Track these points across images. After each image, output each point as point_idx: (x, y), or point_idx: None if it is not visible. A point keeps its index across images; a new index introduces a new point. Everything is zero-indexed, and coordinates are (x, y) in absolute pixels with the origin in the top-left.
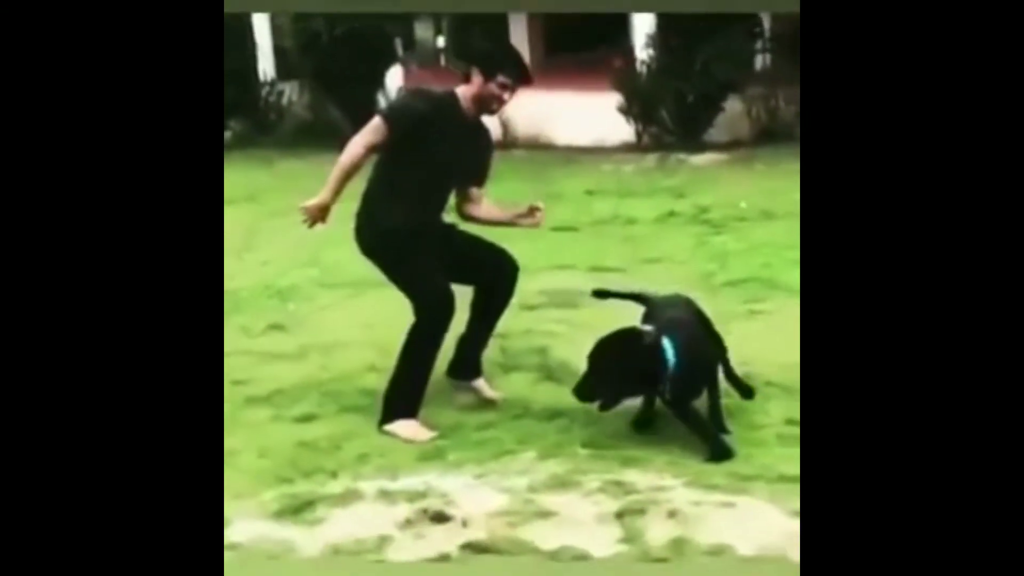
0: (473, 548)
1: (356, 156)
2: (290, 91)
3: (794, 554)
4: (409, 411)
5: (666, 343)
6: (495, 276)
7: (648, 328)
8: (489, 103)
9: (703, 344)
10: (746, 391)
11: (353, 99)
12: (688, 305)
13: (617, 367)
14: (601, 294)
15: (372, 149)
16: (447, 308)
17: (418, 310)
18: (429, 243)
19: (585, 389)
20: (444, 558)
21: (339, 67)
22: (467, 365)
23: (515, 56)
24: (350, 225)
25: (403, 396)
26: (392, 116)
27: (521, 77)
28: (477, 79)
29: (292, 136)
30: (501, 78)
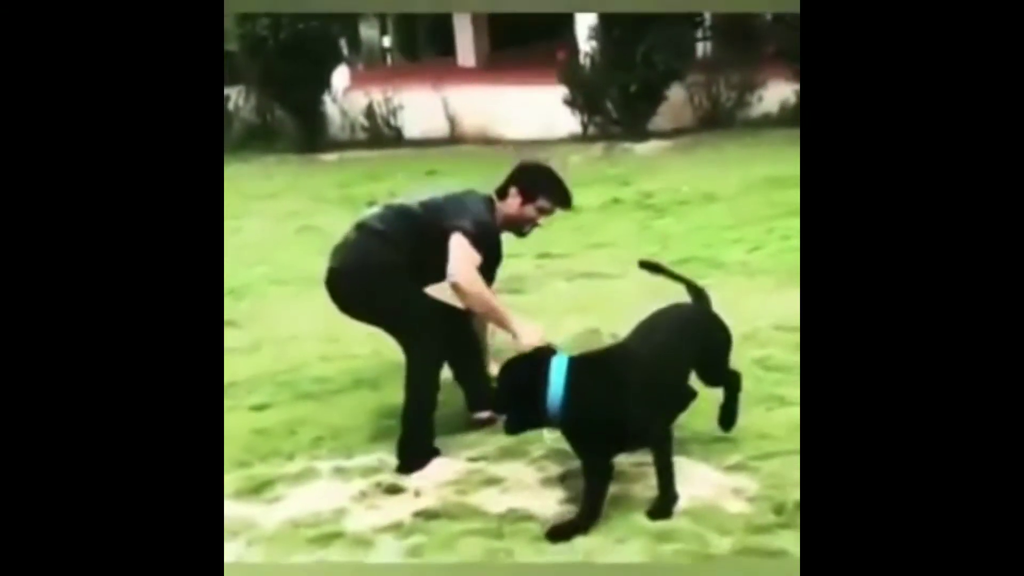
0: (425, 515)
1: (482, 282)
2: (236, 96)
3: (727, 505)
4: (433, 450)
5: (557, 364)
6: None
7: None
8: (521, 225)
9: (631, 370)
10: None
11: (299, 101)
12: (678, 311)
13: (508, 383)
14: (649, 267)
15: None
16: (436, 331)
17: (408, 345)
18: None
19: (494, 401)
20: (398, 526)
21: (285, 70)
22: (478, 396)
23: (559, 183)
24: (295, 224)
25: (422, 438)
26: (484, 242)
27: (563, 203)
28: (515, 200)
29: (239, 140)
30: (542, 202)
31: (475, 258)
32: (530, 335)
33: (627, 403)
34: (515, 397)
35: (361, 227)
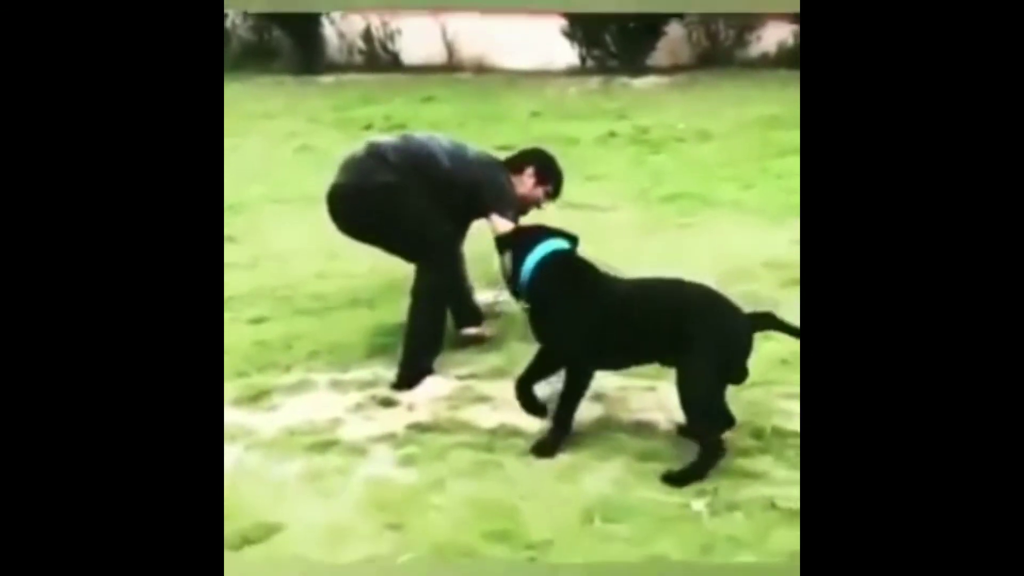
0: (418, 428)
1: None
2: (233, 14)
3: None
4: (430, 369)
5: (543, 245)
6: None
7: (562, 241)
8: (527, 204)
9: (599, 299)
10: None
11: (297, 20)
12: (699, 291)
13: (507, 241)
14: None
15: None
16: (452, 253)
17: (423, 261)
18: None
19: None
20: (392, 436)
21: None
22: (465, 314)
23: (562, 175)
24: (292, 144)
25: (426, 357)
26: (515, 214)
27: (557, 194)
28: (530, 180)
29: (237, 59)
30: (549, 187)
31: None
32: None
33: (572, 319)
34: (511, 258)
35: (373, 150)
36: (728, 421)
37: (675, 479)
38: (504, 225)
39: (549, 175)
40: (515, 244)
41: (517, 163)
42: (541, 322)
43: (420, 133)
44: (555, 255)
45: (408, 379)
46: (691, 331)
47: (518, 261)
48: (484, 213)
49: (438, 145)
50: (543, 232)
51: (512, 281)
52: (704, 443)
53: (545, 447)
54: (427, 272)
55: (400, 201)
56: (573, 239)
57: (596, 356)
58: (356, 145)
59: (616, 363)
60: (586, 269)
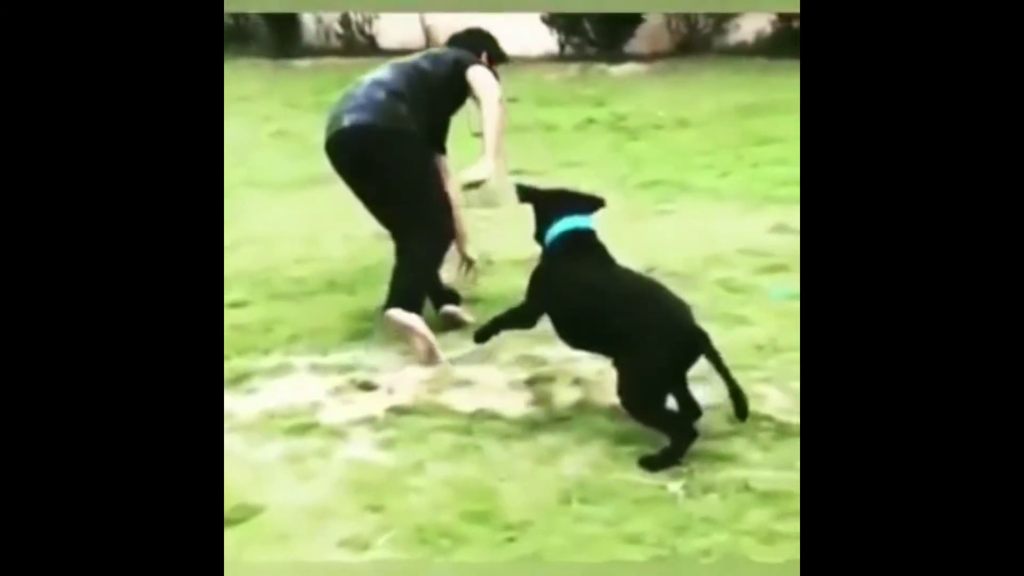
0: (397, 411)
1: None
2: None
3: None
4: (418, 305)
5: (569, 220)
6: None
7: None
8: None
9: (609, 281)
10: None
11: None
12: (668, 301)
13: (530, 193)
14: None
15: None
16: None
17: (427, 213)
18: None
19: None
20: (371, 420)
21: None
22: (442, 294)
23: (504, 50)
24: (268, 128)
25: (417, 290)
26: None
27: (504, 61)
28: (486, 60)
29: None
30: (497, 65)
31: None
32: (482, 171)
33: (566, 293)
34: (534, 215)
35: (390, 88)
36: (692, 412)
37: (650, 463)
38: (484, 73)
39: (498, 52)
40: (541, 204)
41: (473, 48)
42: (540, 280)
43: (398, 60)
44: (577, 232)
45: (402, 302)
46: (633, 333)
47: (542, 223)
48: (464, 83)
49: (416, 58)
50: (570, 203)
51: (540, 233)
52: (670, 435)
53: (481, 334)
54: (420, 229)
55: (413, 148)
56: (596, 207)
57: (563, 328)
58: (357, 85)
59: (575, 340)
60: (599, 253)
